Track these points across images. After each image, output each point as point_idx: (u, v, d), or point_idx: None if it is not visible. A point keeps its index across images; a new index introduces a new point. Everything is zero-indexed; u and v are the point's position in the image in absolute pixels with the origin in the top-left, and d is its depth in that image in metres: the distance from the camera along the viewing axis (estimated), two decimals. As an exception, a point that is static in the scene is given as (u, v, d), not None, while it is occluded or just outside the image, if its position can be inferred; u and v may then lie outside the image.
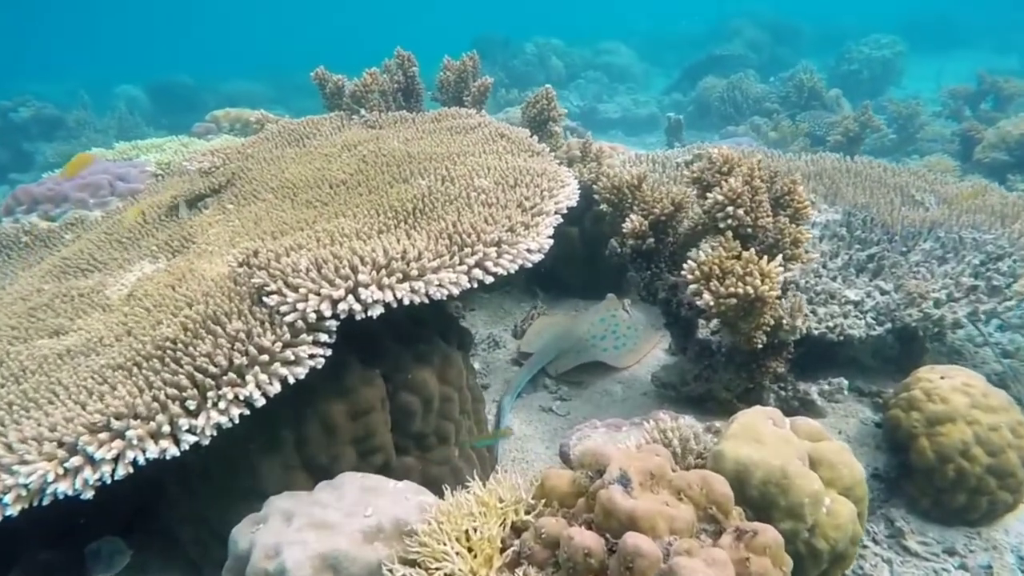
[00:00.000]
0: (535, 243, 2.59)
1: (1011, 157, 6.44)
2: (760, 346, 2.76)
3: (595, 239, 4.54)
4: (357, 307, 2.17)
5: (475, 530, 1.79)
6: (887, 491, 2.95)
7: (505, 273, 2.46)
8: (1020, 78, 9.19)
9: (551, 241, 2.71)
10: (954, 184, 4.37)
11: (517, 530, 1.86)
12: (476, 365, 4.07)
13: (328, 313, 2.16)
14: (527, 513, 1.88)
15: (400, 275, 2.26)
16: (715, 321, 3.34)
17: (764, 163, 2.93)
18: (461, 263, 2.38)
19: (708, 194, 2.81)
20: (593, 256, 4.61)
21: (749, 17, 18.09)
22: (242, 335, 2.12)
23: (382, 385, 2.50)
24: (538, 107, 4.37)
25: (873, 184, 4.30)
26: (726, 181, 2.77)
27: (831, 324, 3.15)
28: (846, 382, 3.10)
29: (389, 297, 2.21)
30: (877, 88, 12.60)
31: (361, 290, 2.18)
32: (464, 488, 2.03)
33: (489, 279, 2.43)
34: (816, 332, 3.16)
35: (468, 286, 2.37)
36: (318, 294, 2.18)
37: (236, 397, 2.01)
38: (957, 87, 9.49)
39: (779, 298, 2.58)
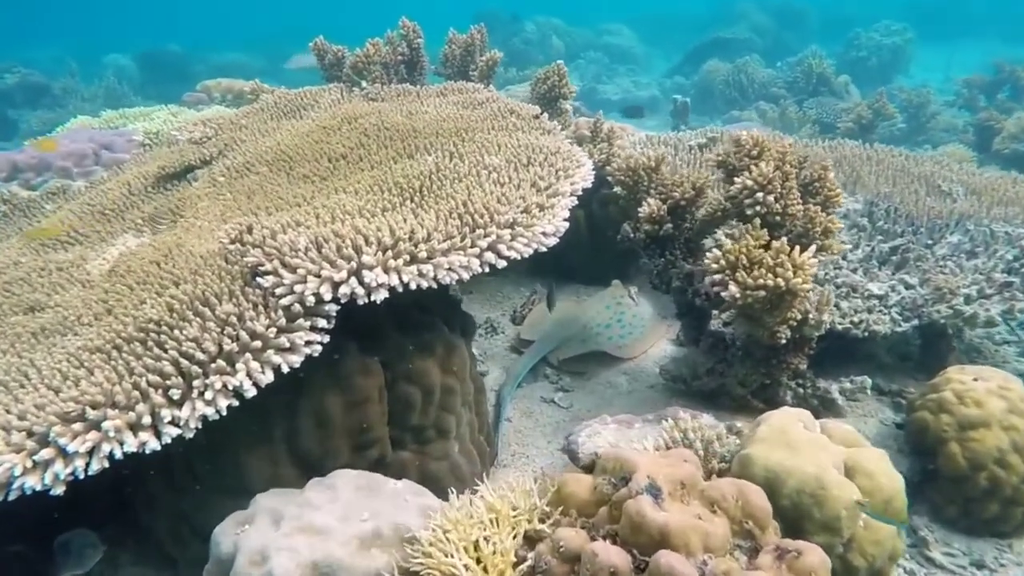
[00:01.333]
0: (551, 226, 2.41)
1: (1030, 147, 6.29)
2: (784, 341, 2.60)
3: (602, 223, 4.35)
4: (360, 291, 1.98)
5: (486, 540, 1.63)
6: (909, 497, 2.81)
7: (519, 257, 2.28)
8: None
9: (567, 224, 2.53)
10: (982, 174, 4.19)
11: (530, 540, 1.70)
12: (473, 351, 3.89)
13: (328, 297, 1.98)
14: (541, 521, 1.72)
15: (408, 257, 2.08)
16: (728, 313, 3.18)
17: (794, 147, 2.74)
18: (473, 245, 2.20)
19: (736, 179, 2.63)
20: (598, 240, 4.43)
21: (754, 1, 17.79)
22: (233, 319, 1.93)
23: (381, 374, 2.33)
24: (549, 83, 4.17)
25: (896, 173, 4.13)
26: (756, 166, 2.59)
27: (856, 319, 2.99)
28: (869, 381, 2.94)
29: (395, 281, 2.03)
30: (885, 76, 12.38)
31: (365, 272, 2.00)
32: (472, 491, 1.87)
33: (502, 263, 2.24)
34: (840, 327, 3.00)
35: (479, 271, 2.19)
36: (318, 276, 1.99)
37: (225, 386, 1.83)
38: (973, 76, 9.29)
39: (810, 291, 2.41)
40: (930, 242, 3.62)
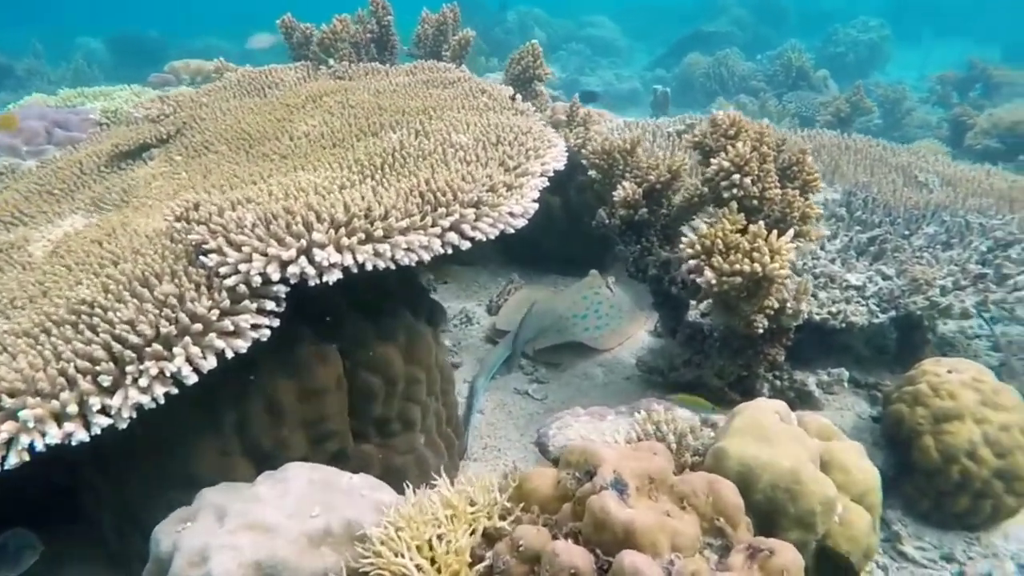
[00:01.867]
0: (519, 206, 2.29)
1: (1003, 144, 6.28)
2: (761, 331, 2.51)
3: (579, 210, 4.24)
4: (311, 271, 1.85)
5: (440, 539, 1.51)
6: (884, 491, 2.74)
7: (484, 239, 2.16)
8: (1010, 66, 9.04)
9: (536, 205, 2.41)
10: (956, 166, 4.15)
11: (490, 538, 1.59)
12: (447, 342, 3.77)
13: (276, 277, 1.84)
14: (502, 519, 1.60)
15: (363, 235, 1.95)
16: (705, 303, 3.09)
17: (772, 130, 2.65)
18: (434, 225, 2.08)
19: (712, 159, 2.53)
20: (575, 229, 4.32)
21: (735, -5, 17.78)
22: (172, 300, 1.80)
23: (339, 362, 2.20)
24: (522, 64, 4.04)
25: (874, 163, 4.07)
26: (732, 146, 2.49)
27: (833, 310, 2.91)
28: (847, 373, 2.87)
29: (349, 260, 1.90)
30: (862, 72, 12.40)
31: (316, 251, 1.87)
32: (429, 486, 1.75)
33: (466, 244, 2.12)
34: (817, 318, 2.92)
35: (441, 251, 2.07)
36: (264, 254, 1.85)
37: (162, 372, 1.69)
38: (946, 73, 9.33)
39: (787, 278, 2.32)
40: (907, 232, 3.56)
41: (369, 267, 1.94)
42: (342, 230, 1.92)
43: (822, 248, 3.40)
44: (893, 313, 3.03)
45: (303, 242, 1.88)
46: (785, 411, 2.09)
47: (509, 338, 3.58)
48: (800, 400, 2.88)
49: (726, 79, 10.84)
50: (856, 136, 4.58)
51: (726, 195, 2.47)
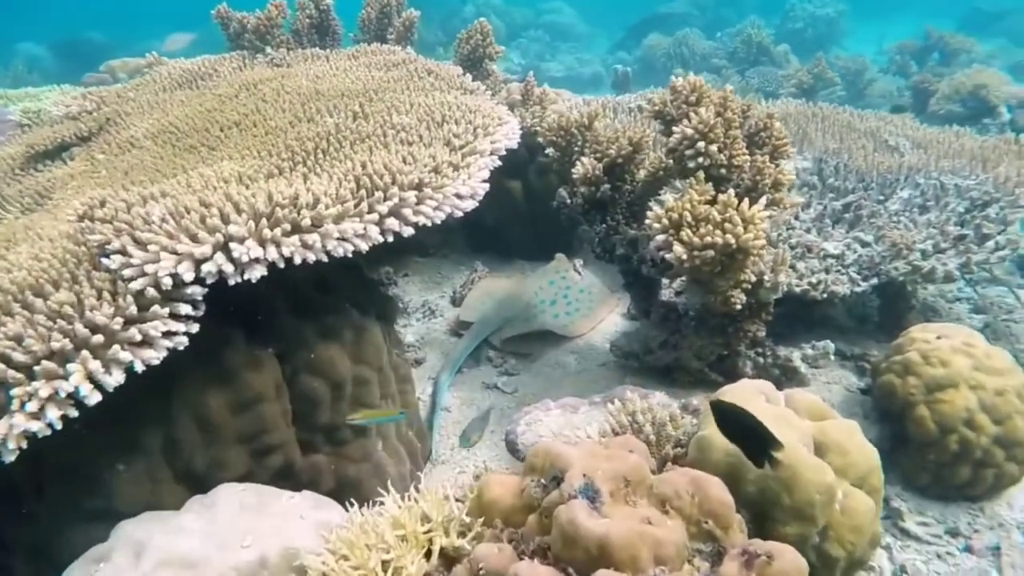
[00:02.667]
0: (466, 187, 2.08)
1: (965, 109, 6.21)
2: (739, 307, 2.33)
3: (540, 194, 4.05)
4: (229, 268, 1.62)
5: (386, 567, 1.30)
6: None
7: (428, 224, 1.95)
8: (965, 34, 9.01)
9: (486, 186, 2.20)
10: (925, 129, 4.02)
11: (448, 560, 1.38)
12: (410, 337, 3.55)
13: (189, 277, 1.61)
14: (461, 536, 1.40)
15: (288, 226, 1.72)
16: (679, 280, 2.91)
17: (735, 96, 2.47)
18: (371, 211, 1.86)
19: (674, 128, 2.34)
20: (538, 213, 4.12)
21: (694, -23, 17.64)
22: (68, 309, 1.55)
23: (276, 367, 1.98)
24: (472, 43, 3.82)
25: (842, 129, 3.92)
26: (695, 112, 2.30)
27: (814, 280, 2.74)
28: (832, 345, 2.71)
29: (273, 255, 1.67)
30: (821, 47, 12.29)
31: (234, 246, 1.64)
32: (376, 503, 1.54)
33: (408, 231, 1.91)
34: (798, 290, 2.75)
35: (380, 239, 1.85)
36: (175, 252, 1.62)
37: (56, 393, 1.45)
38: (905, 42, 9.28)
39: (763, 249, 2.14)
40: (882, 198, 3.41)
41: (298, 260, 1.71)
42: (264, 221, 1.69)
43: (796, 218, 3.24)
44: (875, 280, 2.87)
45: (219, 236, 1.65)
46: (772, 391, 1.92)
47: (474, 329, 3.37)
48: (786, 377, 2.72)
49: (687, 58, 10.70)
50: (822, 104, 4.44)
51: (692, 165, 2.28)
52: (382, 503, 1.51)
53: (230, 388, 1.88)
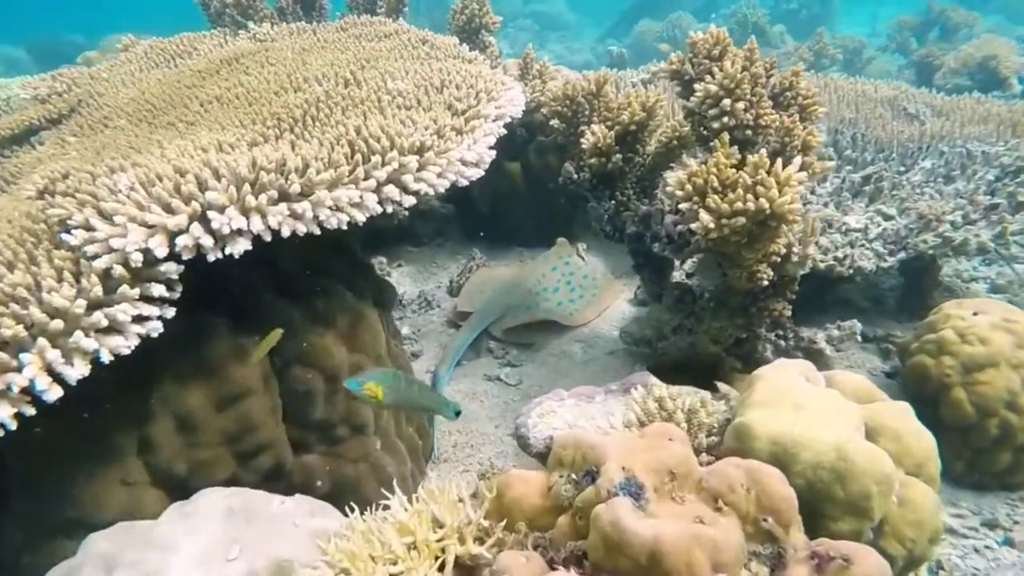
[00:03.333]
0: (471, 153, 1.89)
1: (973, 82, 6.04)
2: (766, 282, 2.15)
3: (541, 175, 3.85)
4: (208, 242, 1.43)
5: (396, 582, 1.11)
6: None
7: (431, 192, 1.76)
8: (967, 8, 8.85)
9: (492, 153, 2.01)
10: (944, 97, 3.85)
11: (465, 570, 1.19)
12: (405, 329, 3.36)
13: (162, 252, 1.41)
14: (479, 542, 1.21)
15: (274, 193, 1.52)
16: (689, 262, 2.73)
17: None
18: (367, 177, 1.66)
19: (696, 86, 2.15)
20: (538, 196, 3.93)
21: (683, -38, 17.43)
22: (22, 292, 1.35)
23: (264, 357, 1.78)
24: (467, 14, 3.62)
25: (857, 98, 3.74)
26: (719, 67, 2.11)
27: (839, 255, 2.57)
28: (859, 325, 2.53)
29: (258, 226, 1.48)
30: (815, 29, 12.21)
31: (213, 216, 1.44)
32: (379, 506, 1.35)
33: (409, 200, 1.71)
34: (823, 266, 2.58)
35: (378, 209, 1.66)
36: (145, 224, 1.42)
37: (8, 389, 1.25)
38: (903, 17, 9.11)
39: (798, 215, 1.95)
40: (903, 169, 3.24)
41: (286, 232, 1.52)
42: (247, 188, 1.49)
43: (812, 192, 3.07)
44: (903, 255, 2.70)
45: (196, 206, 1.45)
46: (811, 371, 1.74)
47: (473, 320, 3.18)
48: (809, 359, 2.53)
49: (680, 40, 10.51)
50: (832, 74, 4.26)
51: (716, 125, 2.10)
52: (386, 506, 1.32)
53: (213, 382, 1.69)
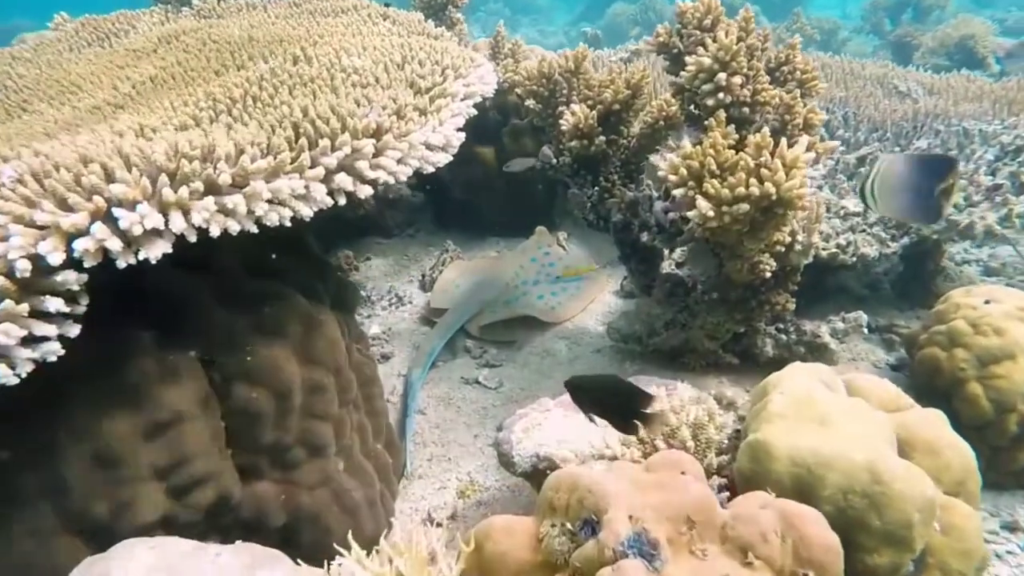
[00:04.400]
0: (437, 136, 1.65)
1: (952, 62, 5.91)
2: (768, 275, 1.95)
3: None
4: (116, 245, 1.17)
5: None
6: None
7: (391, 181, 1.51)
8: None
9: (461, 136, 1.78)
10: (933, 75, 3.68)
11: (437, 645, 0.96)
12: (375, 329, 3.11)
13: (57, 259, 1.15)
14: (454, 607, 0.98)
15: (200, 185, 1.27)
16: (679, 251, 2.52)
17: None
18: (314, 165, 1.41)
19: (687, 59, 1.93)
20: (514, 182, 3.69)
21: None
22: None
23: (201, 376, 1.53)
24: (433, -13, 3.36)
25: (845, 76, 3.56)
26: (712, 39, 1.89)
27: (841, 242, 2.38)
28: (865, 317, 2.35)
29: (180, 225, 1.22)
30: (788, 9, 12.09)
31: (121, 213, 1.18)
32: (331, 561, 1.11)
33: (364, 190, 1.47)
34: (824, 253, 2.38)
35: (328, 202, 1.41)
36: (34, 224, 1.16)
37: None
38: (876, -2, 9.01)
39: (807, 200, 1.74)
40: (898, 149, 3.06)
41: (215, 231, 1.27)
42: (164, 179, 1.24)
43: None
44: (906, 240, 2.52)
45: (100, 201, 1.19)
46: (829, 375, 1.54)
47: (447, 318, 2.95)
48: (812, 355, 2.35)
49: (655, 23, 10.30)
50: (815, 52, 4.07)
51: (710, 102, 1.88)
52: (341, 560, 1.08)
53: (137, 408, 1.43)
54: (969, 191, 2.70)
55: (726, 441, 1.47)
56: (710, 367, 2.50)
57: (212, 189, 1.30)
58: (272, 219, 1.33)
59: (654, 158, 2.70)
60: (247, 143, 1.40)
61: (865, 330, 2.36)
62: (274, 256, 1.79)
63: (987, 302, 2.26)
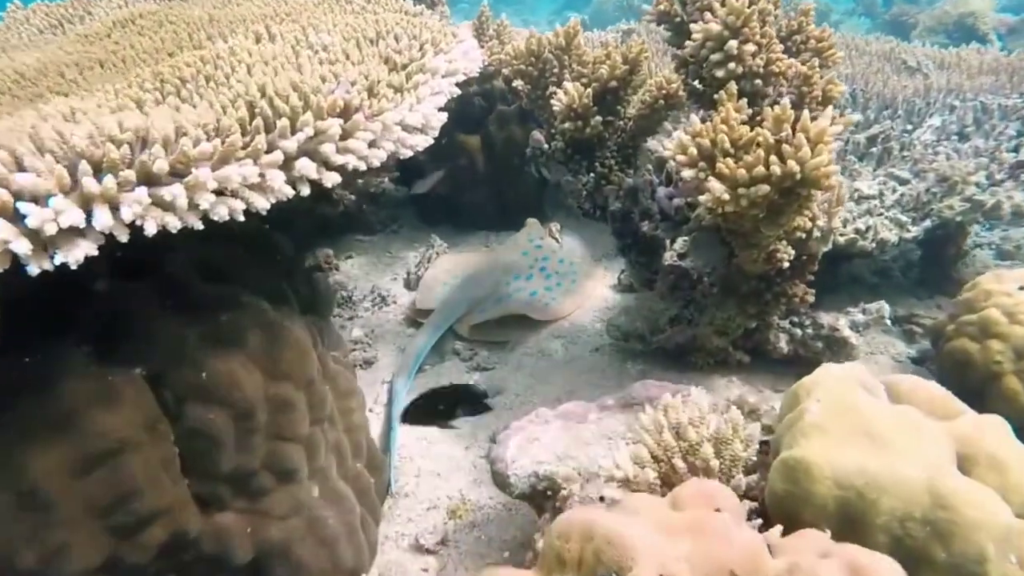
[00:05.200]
0: (415, 115, 1.45)
1: (951, 40, 5.75)
2: (786, 264, 1.76)
3: (504, 150, 3.41)
4: (24, 247, 0.97)
5: None
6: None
7: (362, 166, 1.31)
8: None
9: (443, 117, 1.57)
10: (939, 50, 3.50)
11: None
12: (357, 331, 2.90)
13: (-51, 267, 0.94)
14: None
15: (132, 174, 1.06)
16: (681, 240, 2.33)
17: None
18: (271, 148, 1.21)
19: (693, 27, 1.73)
20: (502, 172, 3.49)
21: (636, -69, 17.02)
22: None
23: (148, 397, 1.33)
24: (411, -36, 3.13)
25: (851, 53, 3.37)
26: (720, 2, 1.69)
27: (860, 226, 2.19)
28: (887, 307, 2.17)
29: (105, 221, 1.02)
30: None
31: (29, 209, 0.97)
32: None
33: (331, 177, 1.27)
34: (842, 239, 2.20)
35: (289, 192, 1.21)
36: (-80, 226, 0.95)
37: None
38: (869, -21, 8.85)
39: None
40: (910, 127, 2.88)
41: (151, 229, 1.06)
42: (84, 167, 1.03)
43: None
44: (928, 223, 2.34)
45: (4, 194, 0.98)
46: (868, 378, 1.35)
47: (434, 319, 2.75)
48: (831, 351, 2.17)
49: (637, 8, 10.10)
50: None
51: (720, 73, 1.68)
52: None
53: (70, 437, 1.23)
54: (991, 169, 2.53)
55: (753, 458, 1.28)
56: (718, 365, 2.31)
57: (147, 178, 1.09)
58: (221, 213, 1.13)
59: (652, 142, 2.51)
60: (192, 124, 1.19)
61: (888, 322, 2.18)
62: (234, 257, 1.58)
63: (1022, 288, 2.09)
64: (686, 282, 2.26)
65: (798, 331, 2.18)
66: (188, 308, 1.41)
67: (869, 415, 1.17)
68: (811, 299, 1.97)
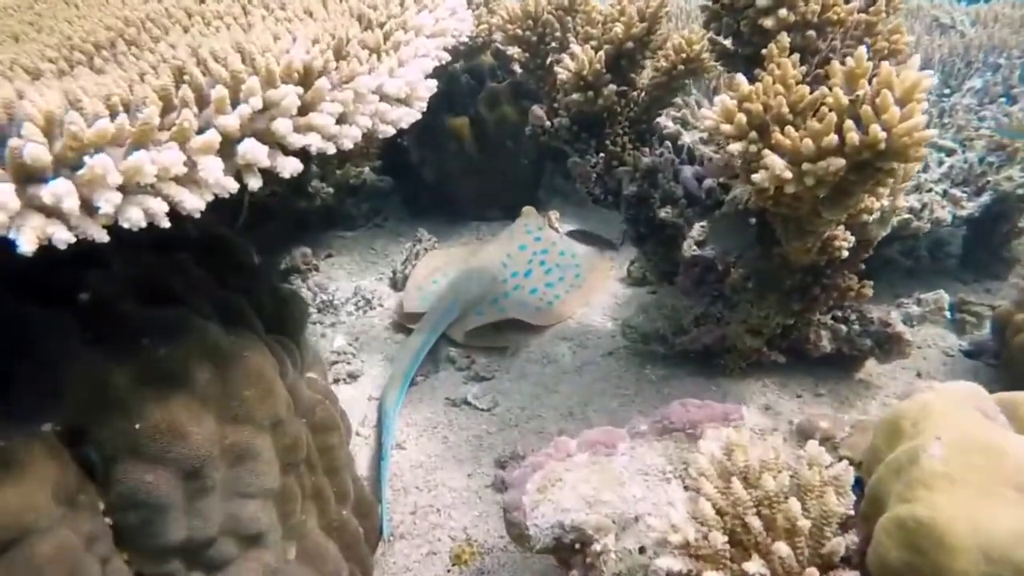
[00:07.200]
0: (396, 82, 1.14)
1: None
2: (846, 253, 1.47)
3: (495, 133, 3.11)
4: None
5: None
6: None
7: (329, 149, 1.00)
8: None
9: (433, 85, 1.26)
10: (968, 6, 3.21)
11: None
12: (339, 340, 2.60)
13: None
14: None
15: (19, 173, 0.75)
16: (698, 227, 2.04)
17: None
18: (205, 128, 0.90)
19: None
20: (494, 157, 3.18)
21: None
22: None
23: (64, 457, 1.03)
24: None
25: (871, 13, 3.07)
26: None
27: (915, 205, 1.91)
28: (946, 297, 1.89)
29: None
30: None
31: None
32: None
33: (289, 165, 0.96)
34: (895, 220, 1.91)
35: (231, 188, 0.90)
36: None
37: None
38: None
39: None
40: (947, 91, 2.60)
41: (27, 246, 0.75)
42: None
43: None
44: (986, 198, 2.06)
45: None
46: (984, 399, 1.07)
47: (424, 324, 2.44)
48: (882, 349, 1.89)
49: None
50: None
51: (769, 23, 1.38)
52: None
53: (-52, 521, 0.92)
54: (1045, 136, 2.25)
55: (849, 511, 0.99)
56: (751, 368, 2.04)
57: (22, 174, 0.78)
58: (133, 218, 0.82)
59: (662, 119, 2.21)
60: (106, 97, 0.87)
61: (947, 314, 1.90)
62: (179, 270, 1.27)
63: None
64: (713, 275, 1.97)
65: (843, 327, 1.90)
66: (117, 340, 1.10)
67: (1012, 456, 0.89)
68: (869, 293, 1.69)
